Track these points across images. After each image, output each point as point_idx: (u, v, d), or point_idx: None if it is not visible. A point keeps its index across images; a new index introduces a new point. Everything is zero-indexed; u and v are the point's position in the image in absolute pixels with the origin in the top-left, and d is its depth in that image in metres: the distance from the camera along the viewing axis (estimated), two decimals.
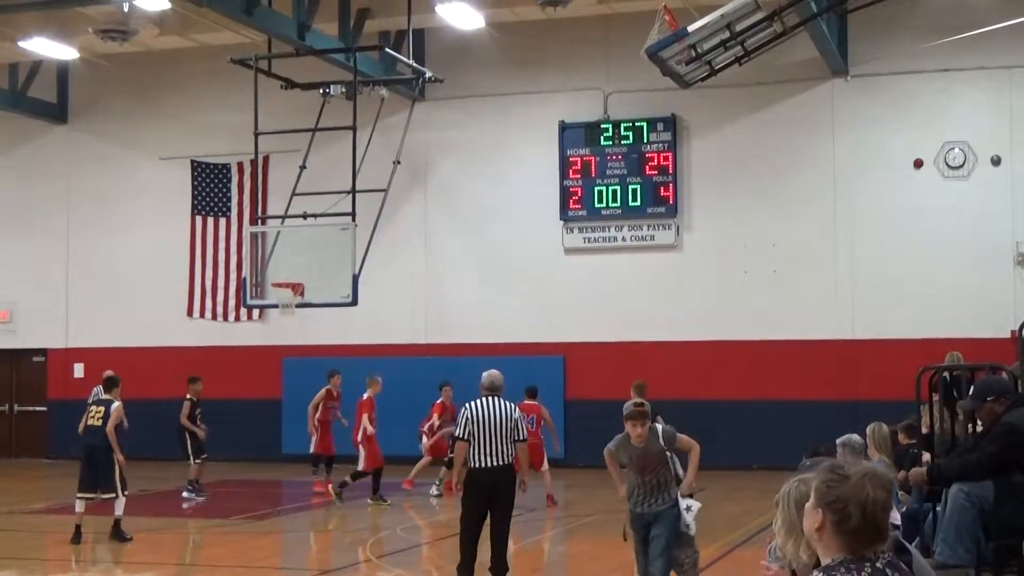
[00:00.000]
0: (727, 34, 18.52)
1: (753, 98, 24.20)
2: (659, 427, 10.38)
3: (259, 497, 20.57)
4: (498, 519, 11.79)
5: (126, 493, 15.58)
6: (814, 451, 8.32)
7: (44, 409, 28.27)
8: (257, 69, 21.13)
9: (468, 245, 25.61)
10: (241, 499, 20.46)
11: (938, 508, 9.68)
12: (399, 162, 22.66)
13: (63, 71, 27.86)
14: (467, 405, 11.75)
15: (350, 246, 19.96)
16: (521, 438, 11.80)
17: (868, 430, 11.78)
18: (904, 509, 10.96)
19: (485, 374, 11.91)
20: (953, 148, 23.46)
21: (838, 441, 10.64)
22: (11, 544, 16.25)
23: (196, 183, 27.05)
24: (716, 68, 19.79)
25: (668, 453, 10.27)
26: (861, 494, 3.57)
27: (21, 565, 14.96)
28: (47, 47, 24.29)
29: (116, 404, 15.69)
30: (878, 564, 3.55)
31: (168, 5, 21.78)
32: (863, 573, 3.53)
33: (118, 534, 15.52)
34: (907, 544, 4.09)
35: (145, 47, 25.58)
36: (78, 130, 28.25)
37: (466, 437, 11.59)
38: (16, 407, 28.72)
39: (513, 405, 11.86)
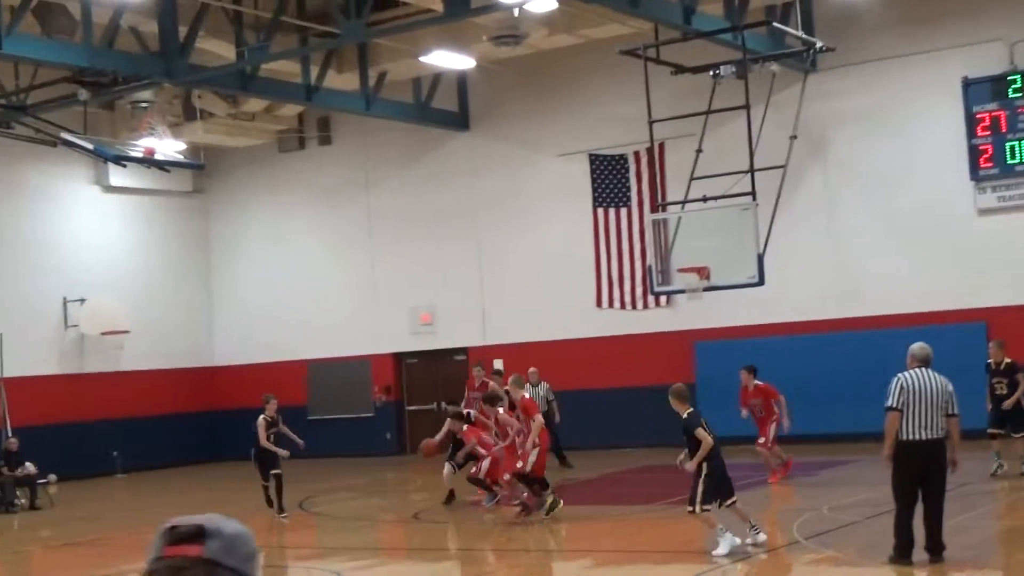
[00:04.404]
0: None
1: None
2: None
3: (679, 483, 20.61)
4: (932, 495, 11.47)
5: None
6: None
7: None
8: (646, 58, 21.26)
9: (873, 214, 24.82)
10: (661, 485, 20.60)
11: None
12: (795, 136, 22.25)
13: (462, 80, 29.02)
14: (901, 375, 11.61)
15: (752, 226, 19.80)
16: (954, 412, 11.48)
17: None
18: None
19: (917, 346, 11.77)
20: None
21: None
22: (444, 536, 17.09)
23: (595, 176, 27.52)
24: None
25: None
26: None
27: (462, 555, 15.72)
28: (446, 59, 25.36)
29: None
30: None
31: (555, 5, 22.26)
32: None
33: None
34: None
35: (535, 48, 26.23)
36: (479, 135, 29.35)
37: (899, 407, 11.41)
38: (443, 405, 30.05)
39: (946, 379, 11.57)
